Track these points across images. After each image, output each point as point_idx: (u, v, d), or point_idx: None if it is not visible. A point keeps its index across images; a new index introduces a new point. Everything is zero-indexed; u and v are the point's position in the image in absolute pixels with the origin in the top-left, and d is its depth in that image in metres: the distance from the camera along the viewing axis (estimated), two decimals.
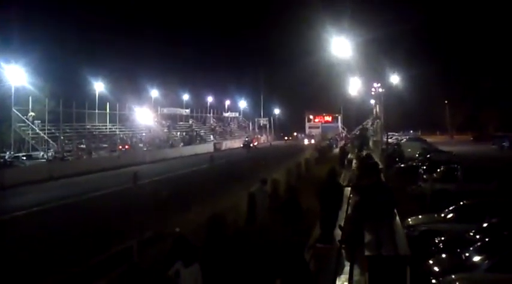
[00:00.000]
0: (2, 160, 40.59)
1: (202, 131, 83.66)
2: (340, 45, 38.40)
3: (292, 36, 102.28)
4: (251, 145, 73.02)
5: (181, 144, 68.72)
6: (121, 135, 61.67)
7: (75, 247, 14.10)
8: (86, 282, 9.05)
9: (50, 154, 45.78)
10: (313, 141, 75.69)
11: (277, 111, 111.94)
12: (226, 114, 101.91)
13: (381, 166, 25.16)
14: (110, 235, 14.84)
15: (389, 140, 52.33)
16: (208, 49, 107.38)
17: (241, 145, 73.16)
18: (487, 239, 12.74)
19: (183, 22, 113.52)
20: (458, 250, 12.71)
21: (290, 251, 7.41)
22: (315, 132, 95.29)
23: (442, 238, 14.55)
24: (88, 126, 57.74)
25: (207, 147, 68.49)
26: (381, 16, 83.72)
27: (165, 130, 73.49)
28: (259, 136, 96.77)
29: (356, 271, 8.47)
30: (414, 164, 33.77)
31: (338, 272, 8.69)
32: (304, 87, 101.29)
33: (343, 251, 9.76)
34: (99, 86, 61.98)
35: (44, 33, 59.45)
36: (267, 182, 17.06)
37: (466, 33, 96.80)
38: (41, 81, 51.52)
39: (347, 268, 8.75)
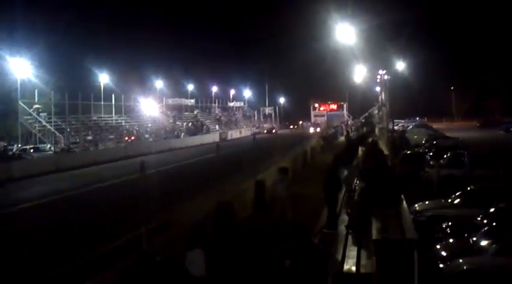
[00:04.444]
0: (10, 153, 40.76)
1: (207, 121, 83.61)
2: (344, 32, 38.17)
3: (297, 23, 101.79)
4: (273, 131, 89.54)
5: (186, 134, 68.66)
6: (127, 126, 61.73)
7: (85, 237, 14.21)
8: (95, 270, 9.14)
9: (56, 146, 45.94)
10: (318, 130, 75.51)
11: (282, 99, 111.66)
12: (231, 104, 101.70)
13: (386, 152, 25.23)
14: (119, 224, 14.96)
15: (395, 127, 52.28)
16: (212, 38, 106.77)
17: (265, 132, 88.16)
18: (494, 224, 12.79)
19: (187, 12, 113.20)
20: (466, 235, 12.75)
21: (297, 235, 7.46)
22: (320, 120, 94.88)
23: (449, 223, 14.59)
24: (94, 118, 57.78)
25: (213, 137, 68.46)
26: (385, 2, 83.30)
27: (171, 120, 73.52)
28: (264, 125, 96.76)
29: (363, 256, 8.54)
30: (421, 150, 33.68)
31: (345, 256, 8.75)
32: (309, 75, 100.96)
33: (349, 236, 9.83)
34: (104, 78, 61.94)
35: (48, 25, 59.41)
36: (287, 171, 16.86)
37: (471, 19, 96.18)
38: (46, 73, 51.61)
39: (354, 253, 8.82)
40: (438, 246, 12.69)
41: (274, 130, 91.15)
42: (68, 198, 22.88)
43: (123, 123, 62.03)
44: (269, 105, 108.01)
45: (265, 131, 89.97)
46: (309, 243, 7.57)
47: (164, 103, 76.54)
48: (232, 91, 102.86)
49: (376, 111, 63.24)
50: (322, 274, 7.34)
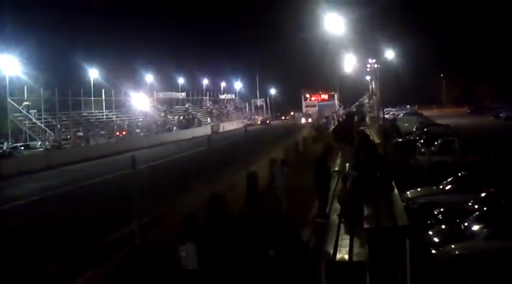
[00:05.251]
0: (0, 151, 40.50)
1: (199, 114, 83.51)
2: (333, 22, 38.13)
3: (286, 14, 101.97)
4: (267, 121, 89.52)
5: (177, 127, 68.45)
6: (118, 121, 61.55)
7: (78, 233, 14.16)
8: (90, 265, 9.12)
9: (47, 143, 45.72)
10: (310, 120, 75.60)
11: (273, 91, 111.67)
12: (222, 96, 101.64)
13: (378, 141, 25.29)
14: (113, 219, 14.91)
15: (386, 116, 52.41)
16: (202, 31, 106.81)
17: (259, 123, 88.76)
18: (485, 209, 12.88)
19: (175, 5, 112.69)
20: (457, 220, 12.83)
21: (283, 226, 7.51)
22: (311, 110, 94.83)
23: (441, 210, 14.68)
24: (84, 114, 57.51)
25: (205, 130, 68.35)
26: None
27: (162, 114, 73.33)
28: (256, 117, 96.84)
29: (356, 244, 8.59)
30: (412, 138, 33.81)
31: (338, 245, 8.79)
32: (300, 66, 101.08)
33: (342, 225, 9.88)
34: (93, 73, 61.61)
35: (36, 22, 59.14)
36: (286, 163, 17.23)
37: (459, 5, 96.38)
38: (35, 70, 51.38)
39: (347, 241, 8.86)
40: (430, 232, 12.76)
41: (268, 121, 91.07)
42: (59, 195, 22.74)
43: (114, 118, 61.84)
44: (260, 97, 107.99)
45: (259, 122, 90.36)
46: (295, 237, 7.63)
47: (155, 97, 76.38)
48: (223, 84, 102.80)
49: (366, 100, 63.42)
50: (306, 266, 7.39)
